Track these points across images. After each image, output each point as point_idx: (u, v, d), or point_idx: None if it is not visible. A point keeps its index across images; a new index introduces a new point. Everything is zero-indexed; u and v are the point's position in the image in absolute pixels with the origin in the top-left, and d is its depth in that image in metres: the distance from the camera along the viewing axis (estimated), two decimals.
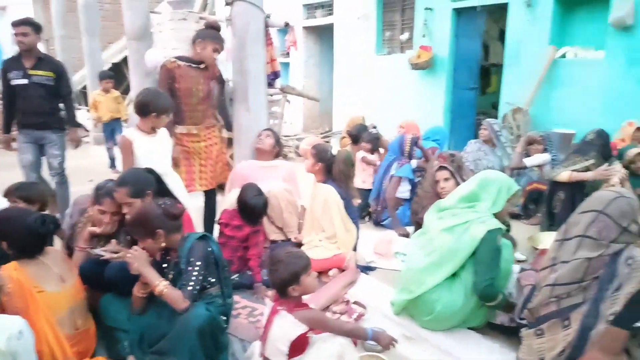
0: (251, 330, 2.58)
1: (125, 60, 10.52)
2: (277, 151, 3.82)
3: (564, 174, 3.92)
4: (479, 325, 2.56)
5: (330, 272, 3.22)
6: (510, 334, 2.44)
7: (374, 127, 5.42)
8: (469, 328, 2.57)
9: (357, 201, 4.37)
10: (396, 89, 8.02)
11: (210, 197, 3.80)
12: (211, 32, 3.45)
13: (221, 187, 3.93)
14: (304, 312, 2.01)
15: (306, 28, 10.09)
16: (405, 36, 7.88)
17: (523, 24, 6.23)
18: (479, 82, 8.58)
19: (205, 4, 9.56)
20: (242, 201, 3.14)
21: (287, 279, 2.00)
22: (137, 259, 2.14)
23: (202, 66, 3.45)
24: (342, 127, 6.72)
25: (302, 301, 2.10)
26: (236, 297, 2.95)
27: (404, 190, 4.31)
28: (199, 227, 3.62)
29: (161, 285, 2.09)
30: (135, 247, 2.20)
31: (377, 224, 4.44)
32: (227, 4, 3.69)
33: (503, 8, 6.59)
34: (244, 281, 3.09)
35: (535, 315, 2.00)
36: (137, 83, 5.27)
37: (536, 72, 6.01)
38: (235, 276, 3.09)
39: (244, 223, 3.11)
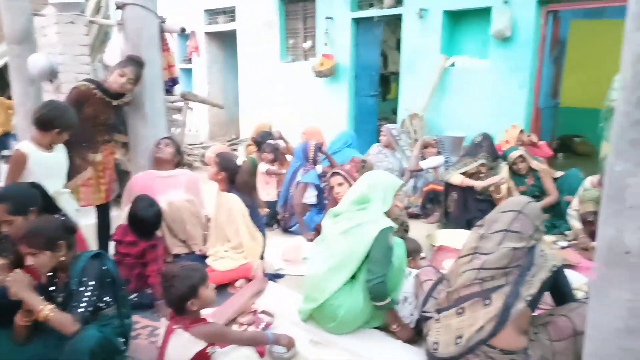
0: (152, 351, 2.43)
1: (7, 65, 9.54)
2: (178, 160, 3.69)
3: (457, 178, 4.23)
4: (383, 324, 2.63)
5: (237, 283, 3.15)
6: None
7: (280, 134, 5.42)
8: (374, 328, 2.63)
9: (264, 210, 4.35)
10: (301, 96, 8.12)
11: (104, 212, 3.56)
12: (131, 61, 3.35)
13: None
14: (200, 328, 1.95)
15: (208, 34, 9.87)
16: (308, 44, 8.02)
17: (416, 34, 6.62)
18: (380, 89, 8.96)
19: (98, 7, 8.99)
20: (131, 214, 2.97)
21: (185, 293, 1.92)
22: (16, 282, 1.93)
23: (114, 103, 3.37)
24: (249, 134, 6.65)
25: (199, 317, 2.03)
26: (136, 317, 2.78)
27: (310, 196, 4.35)
28: (93, 246, 3.38)
29: (46, 310, 1.91)
30: (16, 270, 1.99)
31: (286, 230, 4.44)
32: (117, 7, 3.49)
33: (398, 19, 6.95)
34: (144, 300, 2.92)
35: (455, 297, 2.14)
36: (20, 91, 4.80)
37: (430, 80, 6.41)
38: (133, 296, 2.92)
39: (138, 238, 2.94)
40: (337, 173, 3.49)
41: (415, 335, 2.52)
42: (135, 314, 2.81)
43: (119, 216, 3.63)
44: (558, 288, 2.19)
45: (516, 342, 1.99)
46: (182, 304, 1.93)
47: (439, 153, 4.86)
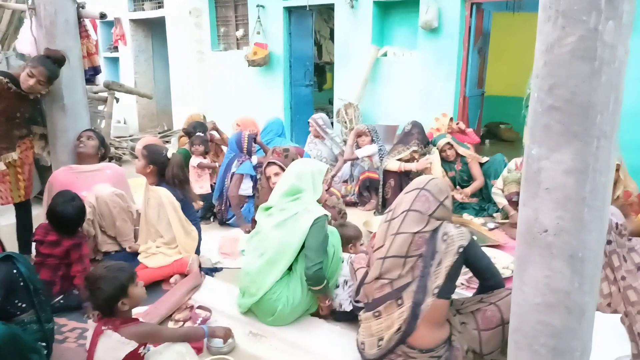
0: (80, 354, 2.30)
1: None
2: (103, 153, 3.50)
3: (394, 164, 4.39)
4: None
5: (172, 279, 3.05)
6: (349, 317, 2.58)
7: (214, 125, 5.29)
8: (311, 315, 2.66)
9: (199, 204, 4.23)
10: (235, 86, 7.96)
11: (24, 211, 3.33)
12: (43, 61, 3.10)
13: None
14: (130, 328, 1.87)
15: (134, 21, 9.40)
16: (240, 33, 7.85)
17: (348, 24, 6.67)
18: (316, 79, 8.97)
19: None
20: (50, 210, 2.78)
21: (115, 294, 1.84)
22: None
23: (31, 96, 3.16)
24: (182, 125, 6.44)
25: (130, 316, 1.95)
26: (62, 320, 2.65)
27: (246, 187, 4.29)
28: (13, 247, 3.15)
29: None
30: None
31: (223, 223, 4.35)
32: None
33: (331, 9, 6.97)
34: (71, 302, 2.76)
35: (371, 297, 2.11)
36: None
37: (363, 70, 6.49)
38: (59, 298, 2.76)
39: (60, 237, 2.76)
40: (274, 163, 3.46)
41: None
42: (61, 316, 2.67)
43: (40, 215, 3.40)
44: (473, 265, 2.13)
45: (434, 337, 1.98)
46: (111, 306, 1.85)
47: (372, 141, 4.95)
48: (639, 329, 2.05)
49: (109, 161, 4.86)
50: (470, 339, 2.06)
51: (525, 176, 1.47)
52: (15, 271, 1.96)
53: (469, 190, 4.50)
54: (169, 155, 3.22)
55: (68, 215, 2.76)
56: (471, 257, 2.07)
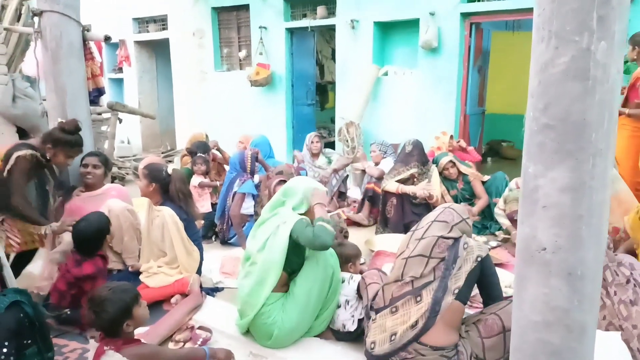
0: None
1: None
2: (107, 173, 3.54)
3: (392, 186, 4.39)
4: (321, 332, 2.64)
5: (173, 299, 3.04)
6: (352, 337, 2.57)
7: (216, 144, 5.33)
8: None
9: (200, 223, 4.24)
10: (237, 106, 8.04)
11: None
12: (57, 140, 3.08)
13: None
14: (133, 349, 1.87)
15: (139, 43, 9.55)
16: (242, 53, 7.97)
17: (349, 44, 6.76)
18: (318, 98, 9.05)
19: (18, 15, 8.44)
20: (73, 229, 2.87)
21: (120, 316, 1.84)
22: None
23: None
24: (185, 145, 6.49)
25: (132, 337, 1.94)
26: (63, 341, 2.64)
27: (248, 207, 4.30)
28: None
29: None
30: None
31: (225, 242, 4.35)
32: (34, 15, 3.30)
33: (332, 29, 7.08)
34: (77, 317, 2.75)
35: (389, 298, 2.19)
36: None
37: (364, 89, 6.55)
38: (67, 310, 2.77)
39: (82, 258, 2.81)
40: (284, 181, 3.48)
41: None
42: (63, 338, 2.66)
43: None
44: (485, 278, 2.24)
45: (447, 338, 2.05)
46: (116, 327, 1.85)
47: (384, 155, 5.04)
48: (637, 344, 2.04)
49: (112, 181, 4.90)
50: (473, 344, 2.11)
51: (522, 194, 1.47)
52: (22, 315, 1.96)
53: (475, 209, 4.47)
54: (170, 171, 3.24)
55: (87, 234, 2.84)
56: (486, 269, 2.21)
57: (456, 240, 2.16)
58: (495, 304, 2.24)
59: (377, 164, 5.22)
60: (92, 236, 2.87)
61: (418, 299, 2.09)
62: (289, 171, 3.59)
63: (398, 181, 4.42)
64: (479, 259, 2.13)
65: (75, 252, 2.87)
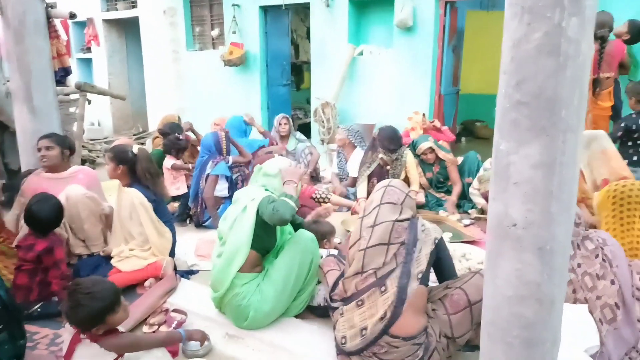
0: None
1: None
2: (69, 154, 3.43)
3: (362, 191, 4.47)
4: (299, 312, 2.65)
5: (146, 283, 2.99)
6: (327, 314, 2.57)
7: (189, 126, 5.24)
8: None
9: (174, 206, 4.18)
10: (211, 86, 7.89)
11: None
12: None
13: None
14: (110, 340, 1.84)
15: (107, 21, 9.24)
16: (215, 32, 7.79)
17: (324, 23, 6.67)
18: (293, 78, 8.94)
19: None
20: (27, 209, 2.77)
21: (91, 322, 1.81)
22: None
23: None
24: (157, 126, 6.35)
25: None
26: (34, 328, 2.57)
27: (222, 189, 4.25)
28: None
29: None
30: None
31: (199, 225, 4.30)
32: None
33: (307, 7, 6.96)
34: (51, 310, 2.68)
35: (351, 291, 2.14)
36: None
37: (340, 69, 6.50)
38: (37, 306, 2.69)
39: (35, 241, 2.71)
40: None
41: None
42: (33, 323, 2.59)
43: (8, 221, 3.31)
44: (440, 261, 2.25)
45: (416, 325, 2.01)
46: (88, 329, 1.82)
47: (355, 147, 4.99)
48: (599, 315, 2.11)
49: (82, 164, 4.77)
50: (441, 323, 2.10)
51: (494, 171, 1.48)
52: None
53: (454, 198, 4.49)
54: (135, 151, 3.16)
55: (43, 212, 2.74)
56: (441, 251, 2.22)
57: (410, 221, 2.14)
58: (459, 278, 2.23)
59: (340, 147, 5.18)
60: (51, 214, 2.80)
61: (383, 289, 2.04)
62: (280, 152, 3.54)
63: (370, 175, 4.46)
64: (436, 240, 2.13)
65: (28, 236, 2.77)
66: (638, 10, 4.66)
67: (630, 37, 4.50)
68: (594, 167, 3.54)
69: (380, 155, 4.43)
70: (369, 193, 4.43)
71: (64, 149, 3.35)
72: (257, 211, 2.48)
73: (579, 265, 2.23)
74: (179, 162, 4.41)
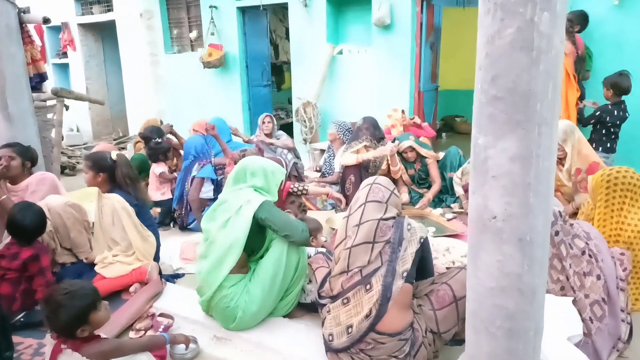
0: None
1: None
2: (31, 164, 3.39)
3: (351, 158, 4.43)
4: (288, 311, 2.65)
5: (131, 288, 2.97)
6: (316, 311, 2.58)
7: (170, 129, 5.19)
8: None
9: (156, 211, 4.14)
10: (191, 88, 7.84)
11: None
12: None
13: None
14: (92, 347, 1.81)
15: (83, 25, 9.10)
16: (194, 34, 7.74)
17: (303, 23, 6.68)
18: (274, 79, 8.92)
19: None
20: (9, 217, 2.74)
21: (74, 322, 1.78)
22: None
23: None
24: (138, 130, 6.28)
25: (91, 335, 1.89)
26: (18, 338, 2.54)
27: (207, 191, 4.23)
28: None
29: None
30: None
31: (184, 228, 4.27)
32: None
33: (285, 8, 6.96)
34: (33, 319, 2.65)
35: (338, 290, 2.14)
36: None
37: (320, 68, 6.51)
38: (20, 316, 2.66)
39: (19, 249, 2.67)
40: None
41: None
42: (18, 333, 2.56)
43: None
44: (423, 261, 2.24)
45: (402, 321, 2.02)
46: (70, 332, 1.79)
47: (344, 143, 5.01)
48: (589, 314, 2.15)
49: (62, 171, 4.69)
50: (427, 319, 2.11)
51: (473, 165, 1.51)
52: None
53: (430, 195, 4.54)
54: (114, 157, 3.13)
55: (27, 220, 2.71)
56: (425, 251, 2.22)
57: (395, 219, 2.15)
58: (445, 273, 2.26)
59: (331, 141, 5.21)
60: (34, 223, 2.76)
61: (368, 287, 2.04)
62: (254, 153, 3.53)
63: (347, 172, 4.47)
64: (422, 240, 2.13)
65: (11, 245, 2.73)
66: (608, 7, 4.78)
67: (580, 27, 4.63)
68: (572, 155, 3.64)
69: (364, 143, 4.48)
70: (346, 190, 4.48)
71: (25, 160, 3.30)
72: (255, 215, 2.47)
73: (570, 266, 2.26)
74: (167, 172, 4.40)
